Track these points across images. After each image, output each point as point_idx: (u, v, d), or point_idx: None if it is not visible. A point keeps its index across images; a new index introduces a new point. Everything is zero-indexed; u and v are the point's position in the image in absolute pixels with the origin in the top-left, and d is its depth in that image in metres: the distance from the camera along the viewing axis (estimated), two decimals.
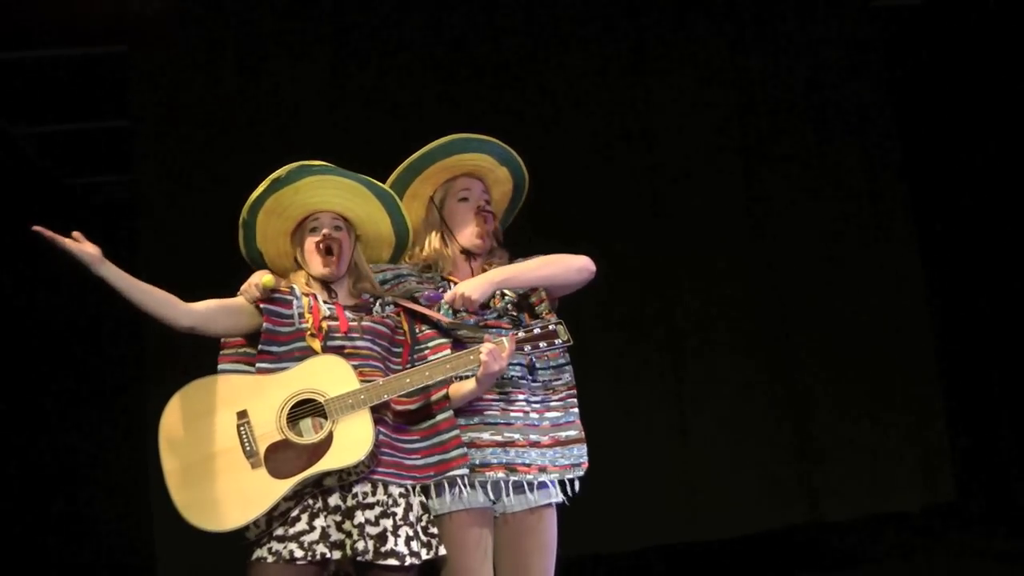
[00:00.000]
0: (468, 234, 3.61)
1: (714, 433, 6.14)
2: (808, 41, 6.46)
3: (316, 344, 3.35)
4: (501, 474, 3.45)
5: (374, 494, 3.29)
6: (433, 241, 3.63)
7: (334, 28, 6.13)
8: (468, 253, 3.63)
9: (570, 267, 3.61)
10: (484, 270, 3.62)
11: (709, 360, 6.20)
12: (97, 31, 5.95)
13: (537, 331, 3.43)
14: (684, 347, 6.23)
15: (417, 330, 3.50)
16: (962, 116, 6.50)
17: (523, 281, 3.57)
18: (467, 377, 3.41)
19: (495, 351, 3.34)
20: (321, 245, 3.44)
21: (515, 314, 3.59)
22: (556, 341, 3.43)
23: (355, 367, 3.32)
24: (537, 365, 3.55)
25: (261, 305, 3.37)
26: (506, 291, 3.59)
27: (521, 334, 3.42)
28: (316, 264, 3.46)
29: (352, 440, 3.23)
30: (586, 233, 6.05)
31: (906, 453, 6.26)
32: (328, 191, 3.44)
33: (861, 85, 6.46)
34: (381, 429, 3.32)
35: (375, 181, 3.50)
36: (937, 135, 6.56)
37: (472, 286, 3.46)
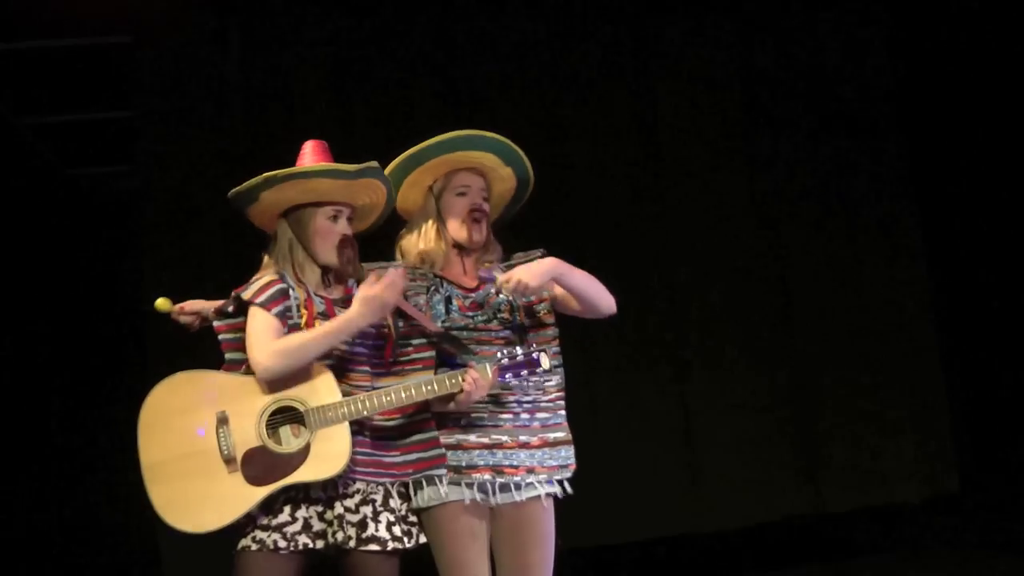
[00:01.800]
0: (460, 231, 3.60)
1: (718, 424, 6.15)
2: (812, 32, 6.45)
3: None
4: (488, 476, 3.47)
5: (354, 483, 3.32)
6: (428, 231, 3.62)
7: (339, 19, 6.13)
8: (460, 247, 3.63)
9: (604, 297, 3.63)
10: (476, 265, 3.64)
11: (713, 353, 6.21)
12: (101, 22, 5.94)
13: (520, 358, 3.42)
14: (688, 340, 6.24)
15: (400, 326, 3.50)
16: (968, 107, 6.47)
17: (571, 282, 3.57)
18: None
19: (478, 381, 3.36)
20: (343, 242, 3.42)
21: (507, 316, 3.58)
22: (537, 370, 3.43)
23: (344, 371, 3.34)
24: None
25: (272, 310, 3.33)
26: (503, 291, 3.59)
27: (504, 361, 3.41)
28: (328, 253, 3.43)
29: (329, 454, 3.25)
30: (590, 232, 6.08)
31: (909, 445, 6.27)
32: (355, 189, 3.44)
33: (865, 77, 6.45)
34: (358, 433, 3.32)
35: (385, 176, 3.50)
36: (943, 126, 6.54)
37: (531, 273, 3.44)
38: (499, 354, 3.43)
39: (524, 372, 3.42)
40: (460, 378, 3.35)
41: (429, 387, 3.35)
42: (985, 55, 6.40)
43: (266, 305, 3.33)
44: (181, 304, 3.53)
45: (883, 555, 6.36)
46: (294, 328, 3.34)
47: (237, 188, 3.41)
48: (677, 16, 6.38)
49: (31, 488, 6.97)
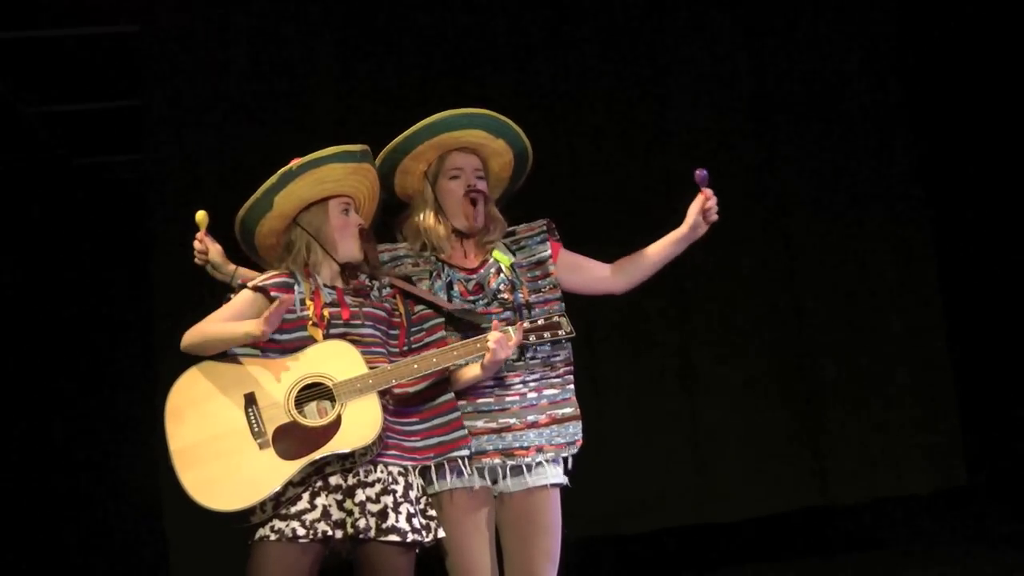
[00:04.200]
0: (458, 216, 3.60)
1: (726, 416, 6.15)
2: (820, 29, 6.43)
3: (318, 334, 3.35)
4: (497, 460, 3.48)
5: (375, 471, 3.31)
6: (427, 218, 3.61)
7: (345, 6, 6.12)
8: (460, 232, 3.62)
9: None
10: (479, 245, 3.62)
11: (721, 344, 6.20)
12: (109, 10, 5.95)
13: (542, 322, 3.46)
14: (696, 331, 6.23)
15: (412, 311, 3.51)
16: (979, 106, 6.46)
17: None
18: (472, 362, 3.43)
19: (503, 340, 3.35)
20: (361, 232, 3.44)
21: (507, 297, 3.57)
22: (560, 332, 3.46)
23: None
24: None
25: (272, 293, 3.35)
26: (503, 270, 3.58)
27: (527, 324, 3.43)
28: (350, 247, 3.44)
29: (361, 423, 3.25)
30: (596, 229, 6.05)
31: (917, 437, 6.26)
32: (360, 175, 3.46)
33: (875, 74, 6.44)
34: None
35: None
36: (953, 124, 6.53)
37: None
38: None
39: (547, 335, 3.44)
40: (486, 339, 3.36)
41: (456, 351, 3.37)
42: (995, 53, 6.39)
43: (265, 286, 3.36)
44: (204, 236, 3.58)
45: (891, 547, 6.35)
46: (300, 321, 3.36)
47: (248, 203, 3.43)
48: (684, 16, 6.36)
49: (36, 487, 6.96)
